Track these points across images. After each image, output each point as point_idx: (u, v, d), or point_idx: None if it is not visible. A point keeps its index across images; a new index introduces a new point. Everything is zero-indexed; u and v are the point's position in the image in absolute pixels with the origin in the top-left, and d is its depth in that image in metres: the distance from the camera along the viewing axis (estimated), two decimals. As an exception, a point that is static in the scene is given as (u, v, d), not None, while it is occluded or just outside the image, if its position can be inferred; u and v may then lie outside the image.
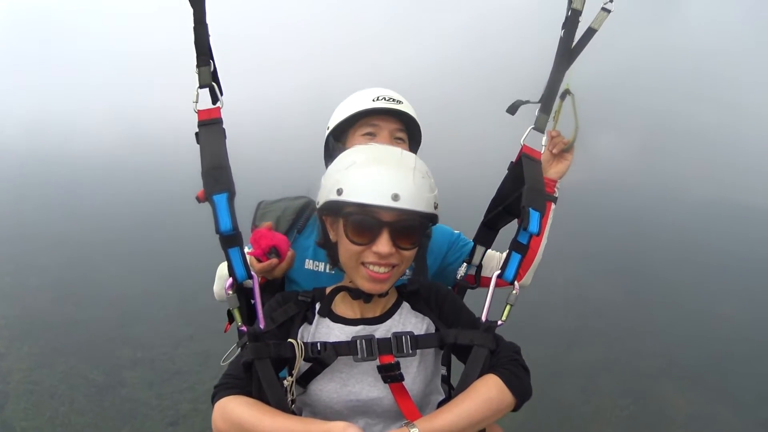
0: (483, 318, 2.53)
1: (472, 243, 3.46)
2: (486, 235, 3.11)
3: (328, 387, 2.46)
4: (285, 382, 2.36)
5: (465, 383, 2.38)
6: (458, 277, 3.25)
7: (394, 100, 3.30)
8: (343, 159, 2.42)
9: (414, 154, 2.49)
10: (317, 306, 2.60)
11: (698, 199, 34.98)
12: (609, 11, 2.85)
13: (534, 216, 2.45)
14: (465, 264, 3.27)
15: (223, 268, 3.29)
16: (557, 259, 23.81)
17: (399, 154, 2.44)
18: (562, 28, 2.82)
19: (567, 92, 3.32)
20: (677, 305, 19.23)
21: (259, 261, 2.78)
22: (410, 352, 2.41)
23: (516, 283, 2.52)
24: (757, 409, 13.74)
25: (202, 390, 11.74)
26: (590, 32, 2.85)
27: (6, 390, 16.84)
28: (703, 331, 17.52)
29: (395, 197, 2.21)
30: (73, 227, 26.24)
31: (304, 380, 2.46)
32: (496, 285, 2.91)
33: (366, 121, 3.28)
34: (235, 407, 2.21)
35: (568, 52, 2.79)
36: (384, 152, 2.45)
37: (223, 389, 2.32)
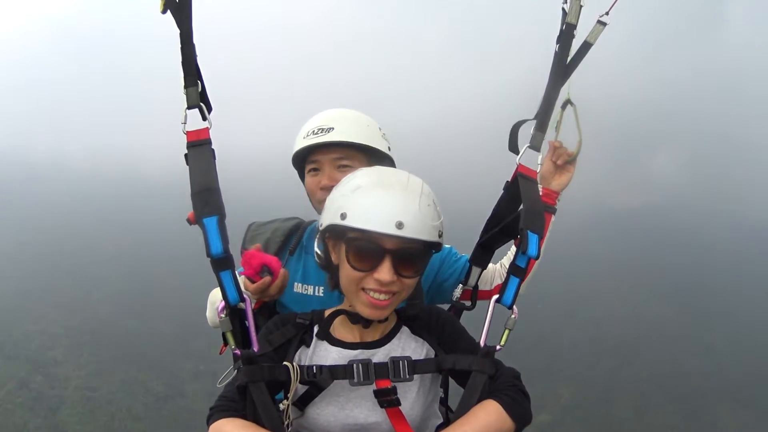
0: (481, 343, 2.42)
1: (465, 257, 3.33)
2: (482, 256, 2.92)
3: (327, 411, 2.37)
4: (281, 405, 2.28)
5: (464, 408, 2.28)
6: (454, 298, 3.05)
7: (323, 129, 3.13)
8: (348, 182, 2.37)
9: (421, 180, 2.41)
10: (315, 329, 2.51)
11: (758, 215, 34.13)
12: (605, 24, 2.76)
13: (533, 239, 2.35)
14: (460, 285, 3.07)
15: (215, 294, 3.16)
16: (615, 280, 23.61)
17: (406, 179, 2.36)
18: (557, 43, 2.68)
19: (568, 102, 3.27)
20: (732, 325, 18.85)
21: (252, 282, 2.68)
22: (407, 377, 2.35)
23: (515, 307, 2.42)
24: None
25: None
26: (586, 46, 2.75)
27: (62, 395, 17.83)
28: (756, 351, 17.13)
29: (399, 225, 2.14)
30: (135, 243, 26.90)
31: (302, 403, 2.39)
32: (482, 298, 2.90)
33: (309, 158, 3.18)
34: (229, 430, 2.18)
35: (563, 66, 2.68)
36: (390, 176, 2.39)
37: (218, 411, 2.26)
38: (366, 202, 2.20)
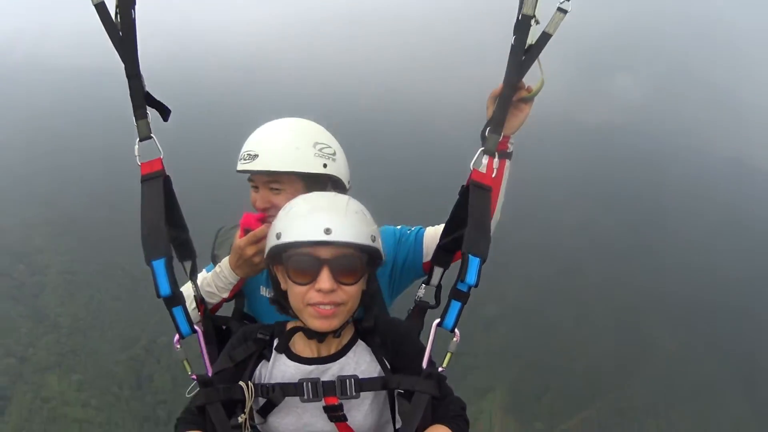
0: (424, 364, 2.39)
1: (417, 229, 3.29)
2: (443, 257, 2.85)
3: (286, 420, 2.50)
4: (239, 419, 2.38)
5: (408, 427, 2.34)
6: (417, 298, 2.98)
7: (250, 155, 3.11)
8: (283, 210, 2.47)
9: (346, 196, 2.54)
10: (275, 342, 2.57)
11: (722, 155, 34.72)
12: (566, 11, 2.40)
13: (473, 264, 2.29)
14: (423, 285, 2.96)
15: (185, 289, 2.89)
16: (569, 191, 23.76)
17: (332, 196, 2.55)
18: (514, 34, 2.44)
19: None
20: (680, 252, 19.90)
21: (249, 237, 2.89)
22: (353, 394, 2.42)
23: (456, 330, 2.36)
24: (739, 362, 14.92)
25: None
26: (545, 37, 2.43)
27: (43, 281, 18.93)
28: (699, 279, 18.15)
29: (327, 231, 2.25)
30: (110, 141, 27.40)
31: (264, 412, 2.49)
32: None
33: (249, 175, 3.23)
34: None
35: (520, 60, 2.44)
36: (318, 197, 2.55)
37: (183, 423, 2.36)
38: (297, 219, 2.36)
